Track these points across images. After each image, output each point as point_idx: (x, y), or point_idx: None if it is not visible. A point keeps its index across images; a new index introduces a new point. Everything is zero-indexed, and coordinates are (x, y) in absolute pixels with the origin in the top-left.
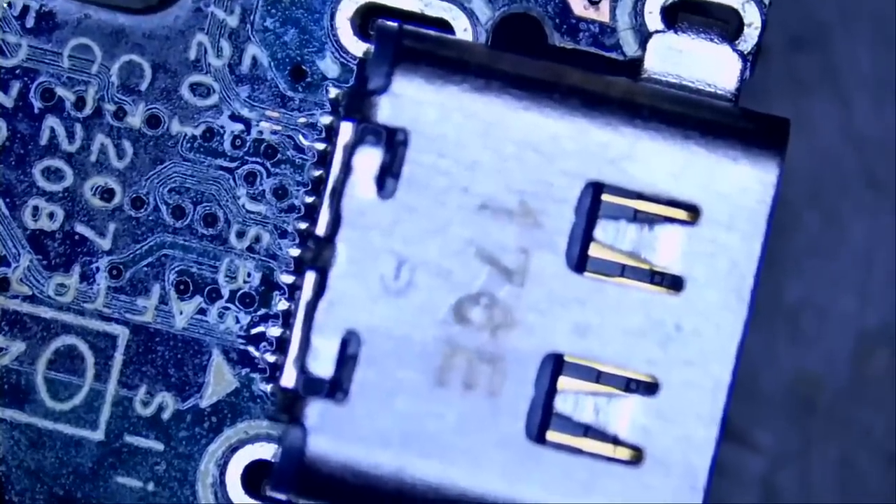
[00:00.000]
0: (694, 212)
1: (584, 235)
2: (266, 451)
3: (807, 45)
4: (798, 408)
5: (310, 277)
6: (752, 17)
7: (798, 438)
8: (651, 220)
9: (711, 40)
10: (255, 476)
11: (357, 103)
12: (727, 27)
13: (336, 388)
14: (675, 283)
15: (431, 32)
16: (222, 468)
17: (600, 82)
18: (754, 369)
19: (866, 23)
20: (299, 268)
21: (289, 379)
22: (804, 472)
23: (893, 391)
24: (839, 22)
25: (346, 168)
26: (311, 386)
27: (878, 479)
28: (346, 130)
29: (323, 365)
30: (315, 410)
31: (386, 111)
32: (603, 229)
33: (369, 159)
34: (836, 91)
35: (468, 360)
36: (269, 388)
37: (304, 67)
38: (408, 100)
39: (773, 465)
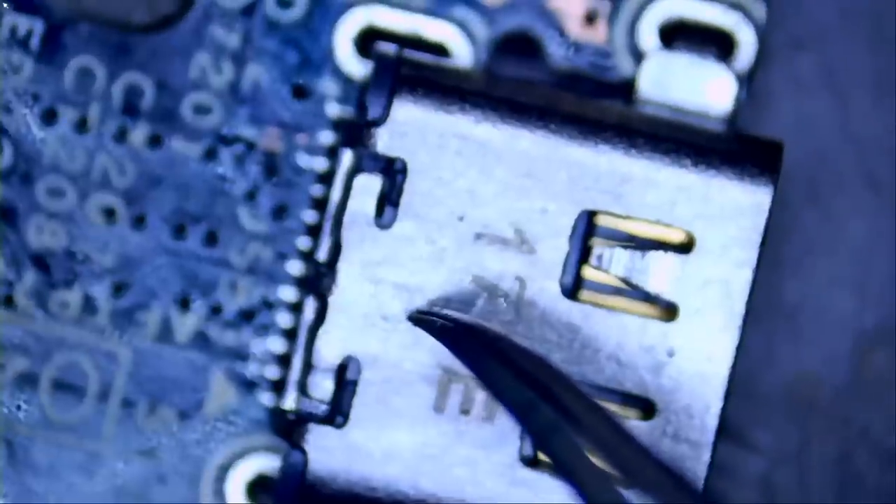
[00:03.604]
0: (687, 239)
1: (577, 262)
2: (267, 465)
3: (806, 46)
4: (796, 407)
5: (310, 304)
6: (747, 38)
7: (797, 438)
8: (644, 247)
9: (706, 61)
10: (256, 491)
11: (356, 133)
12: (722, 48)
13: (336, 412)
14: (667, 310)
15: (430, 59)
16: (223, 483)
17: (595, 109)
18: (752, 369)
19: (865, 22)
20: (300, 285)
21: (289, 402)
22: (803, 472)
23: (892, 391)
24: (838, 22)
25: (346, 195)
26: (311, 410)
27: (876, 479)
28: (346, 158)
29: (323, 390)
30: (315, 434)
31: (384, 141)
32: (596, 256)
33: (368, 187)
34: (835, 91)
35: (465, 385)
36: (269, 402)
37: (304, 87)
38: (406, 129)
39: (772, 465)
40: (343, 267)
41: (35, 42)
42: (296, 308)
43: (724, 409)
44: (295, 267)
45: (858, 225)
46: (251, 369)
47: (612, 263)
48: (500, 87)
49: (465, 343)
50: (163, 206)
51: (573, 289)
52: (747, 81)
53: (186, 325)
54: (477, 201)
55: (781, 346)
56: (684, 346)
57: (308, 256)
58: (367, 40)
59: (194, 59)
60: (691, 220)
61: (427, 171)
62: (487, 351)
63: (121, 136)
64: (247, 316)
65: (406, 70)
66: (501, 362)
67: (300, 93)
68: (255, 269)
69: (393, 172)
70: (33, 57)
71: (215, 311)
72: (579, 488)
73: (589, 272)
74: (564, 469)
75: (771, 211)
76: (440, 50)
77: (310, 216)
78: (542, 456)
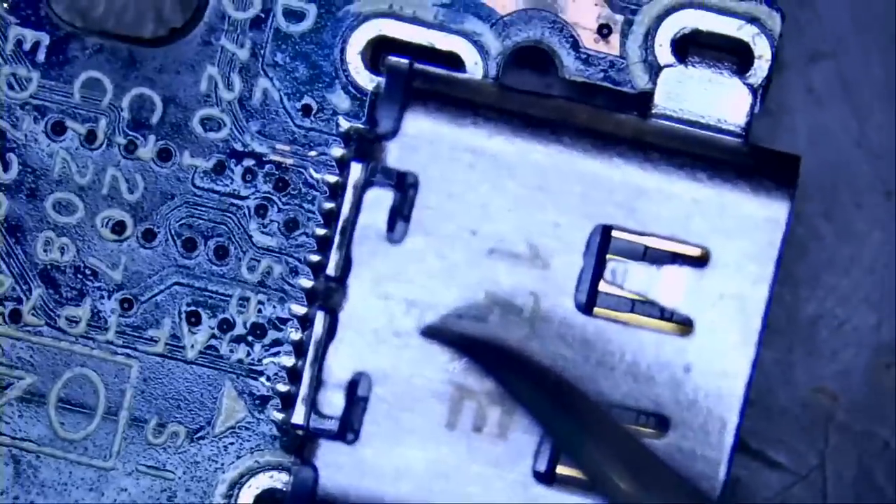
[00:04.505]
0: (703, 254)
1: (592, 277)
2: (277, 480)
3: (822, 58)
4: (814, 422)
5: (320, 318)
6: (763, 50)
7: (814, 453)
8: (660, 262)
9: (721, 74)
10: None
11: (367, 147)
12: (737, 60)
13: (346, 428)
14: (683, 325)
15: (441, 71)
16: (234, 497)
17: (610, 122)
18: (770, 384)
19: (882, 35)
20: (311, 299)
21: (299, 417)
22: (820, 487)
23: None
24: (854, 35)
25: (357, 209)
26: (321, 426)
27: (894, 494)
28: (356, 170)
29: (333, 406)
30: (325, 451)
31: (395, 155)
32: (611, 272)
33: (379, 201)
34: (851, 103)
35: (478, 402)
36: (280, 417)
37: (314, 101)
38: (417, 142)
39: (790, 481)
40: (354, 282)
41: (41, 55)
42: (307, 320)
43: (740, 426)
44: (306, 280)
45: (875, 239)
46: (261, 385)
47: (626, 278)
48: (513, 100)
49: (485, 355)
50: (172, 220)
51: (588, 304)
52: (763, 94)
53: (196, 340)
54: (489, 216)
55: (799, 361)
56: (700, 361)
57: (319, 267)
58: (379, 53)
59: (203, 72)
60: (707, 234)
61: (439, 185)
62: (506, 365)
63: (130, 151)
64: (257, 331)
65: (418, 83)
66: (520, 375)
67: (310, 106)
68: (265, 285)
69: (404, 186)
70: (40, 70)
71: (225, 326)
72: (610, 499)
73: (603, 287)
74: (595, 479)
75: (789, 225)
76: (452, 62)
77: (320, 231)
78: (558, 471)
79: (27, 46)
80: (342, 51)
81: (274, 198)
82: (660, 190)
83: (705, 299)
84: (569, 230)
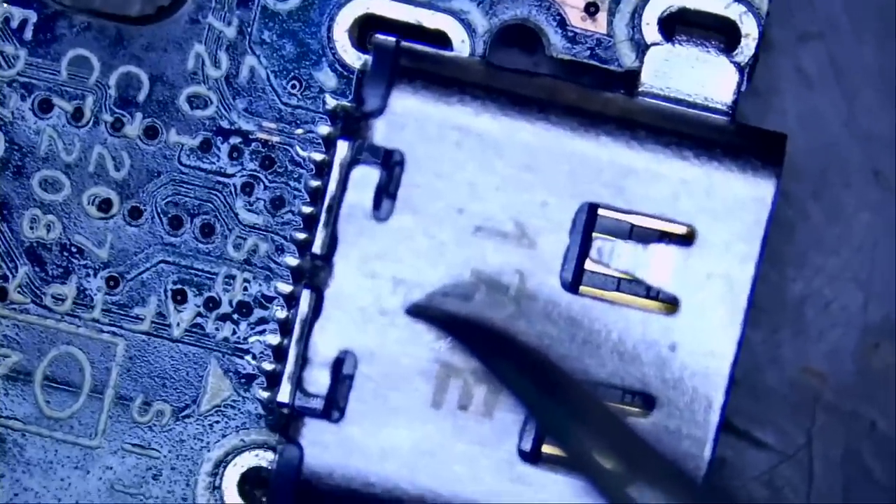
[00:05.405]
0: (689, 232)
1: (578, 256)
2: (262, 458)
3: (812, 40)
4: (801, 402)
5: (306, 296)
6: (750, 29)
7: (801, 433)
8: (646, 240)
9: (708, 52)
10: (252, 485)
11: (354, 125)
12: (724, 39)
13: (332, 407)
14: (669, 304)
15: (429, 49)
16: (219, 475)
17: (597, 101)
18: (758, 364)
19: (872, 17)
20: (297, 278)
21: (284, 395)
22: (807, 468)
23: None
24: (845, 16)
25: (343, 187)
26: (306, 405)
27: (881, 475)
28: (343, 148)
29: (319, 384)
30: (311, 429)
31: (382, 133)
32: (598, 250)
33: (366, 179)
34: (841, 85)
35: (464, 380)
36: (265, 395)
37: (301, 79)
38: (404, 120)
39: (776, 460)
40: (340, 260)
41: (29, 33)
42: (293, 298)
43: (726, 405)
44: (292, 258)
45: (863, 219)
46: (247, 363)
47: (613, 257)
48: (500, 79)
49: (470, 336)
50: (158, 198)
51: (574, 282)
52: (750, 73)
53: (182, 319)
54: (476, 194)
55: (786, 341)
56: (686, 340)
57: (305, 245)
58: (366, 31)
59: (191, 50)
60: (694, 213)
61: (425, 164)
62: (491, 346)
63: (117, 128)
64: (243, 309)
65: (405, 61)
66: (506, 357)
67: (297, 84)
68: (251, 263)
69: (391, 164)
70: (27, 48)
71: (211, 304)
72: (594, 481)
73: (590, 265)
74: (580, 461)
75: (775, 204)
76: (439, 41)
77: (307, 209)
78: (543, 450)
79: (15, 24)
80: (329, 29)
81: (260, 175)
82: (647, 169)
83: (692, 278)
84: (555, 209)
